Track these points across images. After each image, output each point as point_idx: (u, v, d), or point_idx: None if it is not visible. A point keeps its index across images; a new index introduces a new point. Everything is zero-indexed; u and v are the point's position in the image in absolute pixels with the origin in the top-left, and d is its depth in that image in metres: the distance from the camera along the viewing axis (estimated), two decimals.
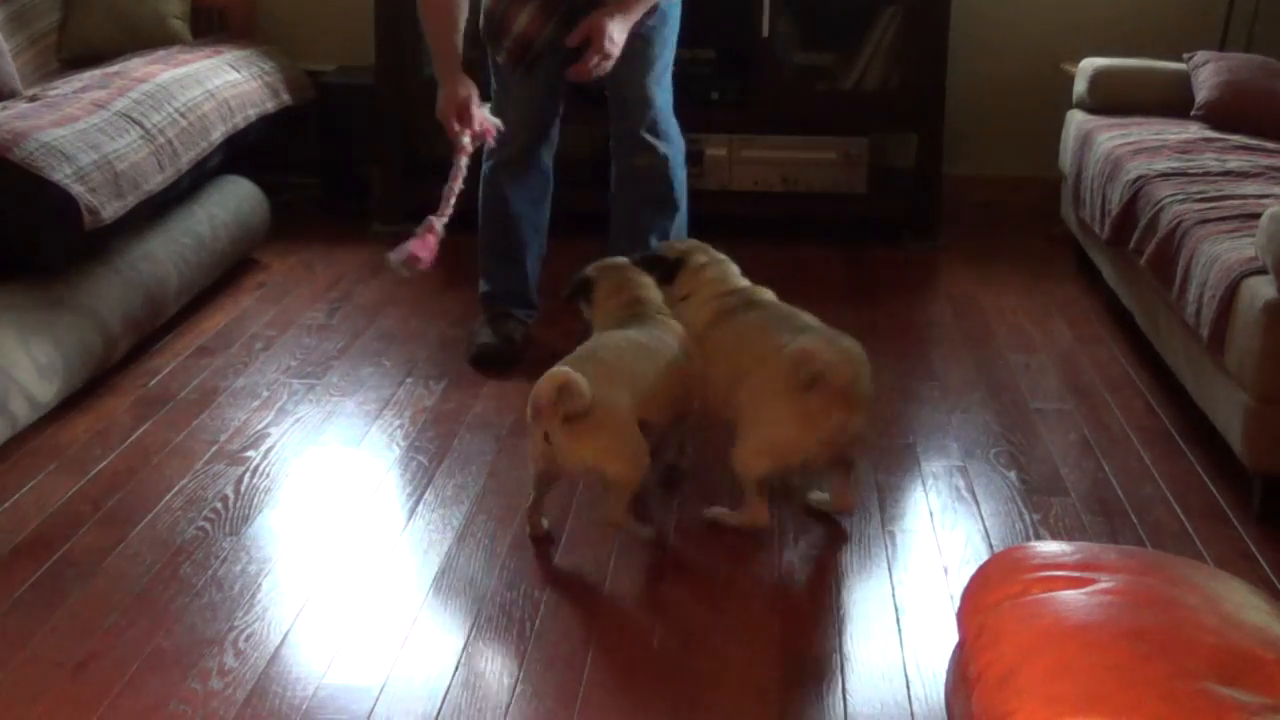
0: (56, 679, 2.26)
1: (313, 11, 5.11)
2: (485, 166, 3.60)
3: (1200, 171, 3.61)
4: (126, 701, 2.20)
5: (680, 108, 3.65)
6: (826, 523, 2.83)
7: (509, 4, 3.26)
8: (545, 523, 2.75)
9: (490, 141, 3.41)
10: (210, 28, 4.83)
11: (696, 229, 4.66)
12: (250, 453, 3.10)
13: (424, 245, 3.23)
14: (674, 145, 3.54)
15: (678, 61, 3.65)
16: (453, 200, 3.28)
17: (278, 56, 4.73)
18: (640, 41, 3.36)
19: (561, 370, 2.54)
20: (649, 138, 3.49)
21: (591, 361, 2.67)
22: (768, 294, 3.00)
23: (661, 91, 3.48)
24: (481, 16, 3.35)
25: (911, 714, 2.23)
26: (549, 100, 3.52)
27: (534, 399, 2.53)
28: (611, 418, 2.58)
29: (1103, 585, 1.68)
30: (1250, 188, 3.45)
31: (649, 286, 2.95)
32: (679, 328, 2.88)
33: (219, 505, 2.86)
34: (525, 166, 3.59)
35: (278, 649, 2.36)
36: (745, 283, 3.02)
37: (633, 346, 2.77)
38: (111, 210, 3.42)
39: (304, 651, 2.36)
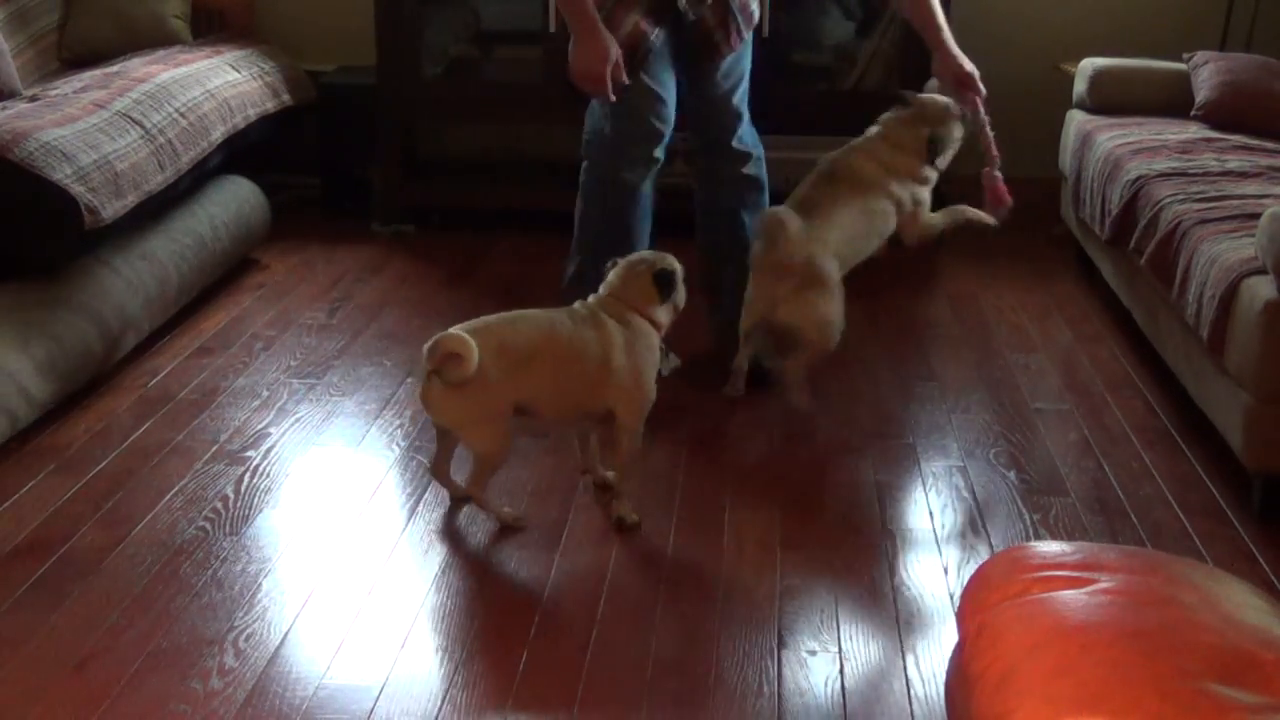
0: (56, 679, 2.26)
1: (313, 11, 5.11)
2: (604, 163, 3.37)
3: (1200, 171, 3.61)
4: (126, 701, 2.21)
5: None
6: (826, 523, 2.83)
7: (615, 4, 3.24)
8: (457, 482, 2.86)
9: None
10: (210, 28, 4.83)
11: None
12: (250, 453, 3.10)
13: (1001, 191, 3.45)
14: (759, 145, 3.63)
15: None
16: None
17: (278, 56, 4.74)
18: (734, 58, 3.40)
19: (458, 335, 2.63)
20: (742, 146, 3.55)
21: (491, 334, 2.69)
22: None
23: (745, 104, 3.55)
24: None
25: (911, 714, 2.23)
26: (668, 100, 3.40)
27: (427, 349, 2.65)
28: (477, 392, 2.65)
29: (1103, 585, 1.68)
30: (1250, 188, 3.45)
31: (617, 288, 2.87)
32: (613, 331, 2.81)
33: (219, 505, 2.86)
34: (649, 169, 3.43)
35: (278, 649, 2.36)
36: None
37: (543, 334, 2.76)
38: (111, 210, 3.42)
39: (304, 651, 2.37)
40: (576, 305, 2.87)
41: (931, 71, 3.55)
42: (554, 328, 2.77)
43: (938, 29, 3.46)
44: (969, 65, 3.46)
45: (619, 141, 3.34)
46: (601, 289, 2.89)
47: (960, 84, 3.47)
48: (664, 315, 2.89)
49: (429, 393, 2.70)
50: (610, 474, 2.90)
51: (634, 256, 2.93)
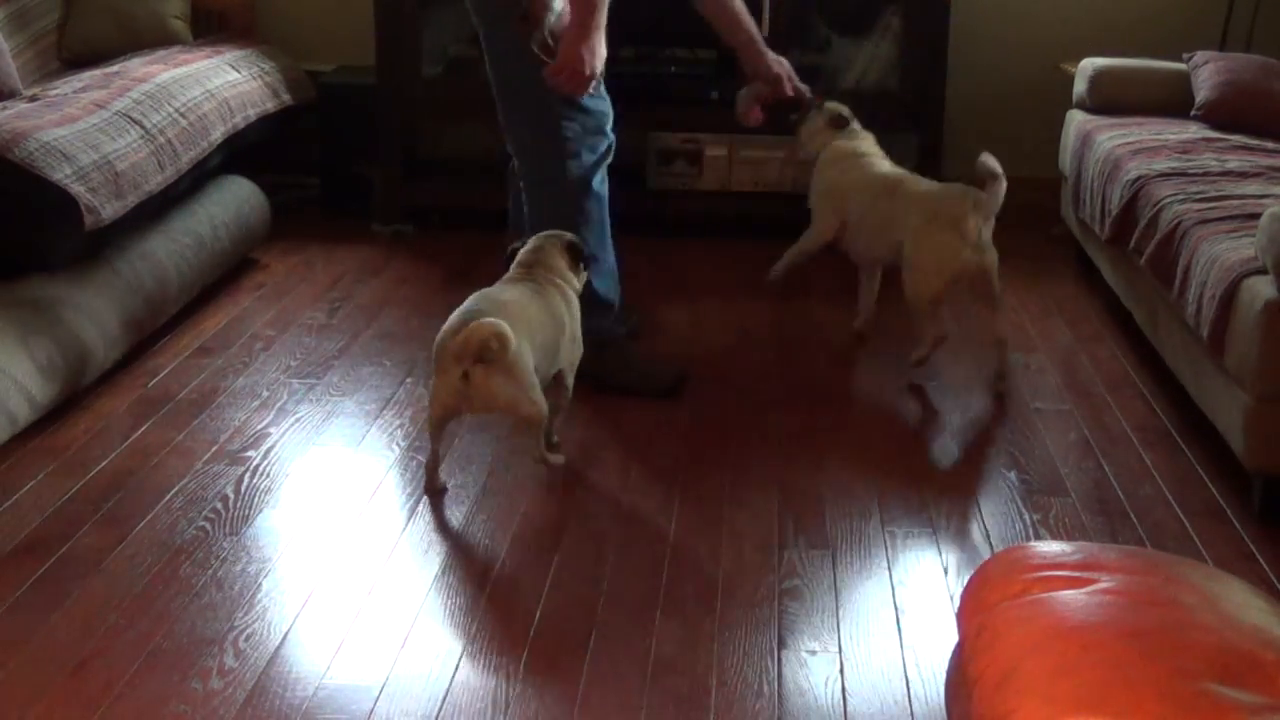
0: (56, 679, 2.26)
1: (313, 11, 5.11)
2: (577, 166, 3.34)
3: (1200, 171, 3.61)
4: (126, 701, 2.20)
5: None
6: (826, 523, 2.83)
7: None
8: (442, 478, 2.95)
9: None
10: (210, 28, 4.83)
11: (697, 229, 4.69)
12: (250, 453, 3.10)
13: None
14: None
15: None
16: None
17: (278, 56, 4.73)
18: None
19: (491, 321, 2.75)
20: None
21: (505, 311, 2.85)
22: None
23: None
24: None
25: (911, 714, 2.23)
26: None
27: (461, 341, 2.75)
28: (522, 364, 2.82)
29: (1103, 585, 1.68)
30: (1250, 188, 3.45)
31: (545, 261, 3.11)
32: (565, 297, 3.09)
33: (219, 505, 2.86)
34: (605, 166, 3.46)
35: (278, 649, 2.36)
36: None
37: (532, 303, 2.98)
38: (111, 210, 3.42)
39: (304, 651, 2.37)
40: (515, 276, 3.07)
41: (745, 73, 3.63)
42: (537, 296, 3.00)
43: (746, 30, 3.49)
44: (780, 66, 3.58)
45: (595, 141, 3.36)
46: (524, 262, 3.09)
47: (775, 86, 3.57)
48: (579, 282, 3.16)
49: (473, 385, 2.79)
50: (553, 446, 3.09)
51: (542, 235, 3.16)
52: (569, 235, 3.17)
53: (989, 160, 3.40)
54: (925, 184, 3.58)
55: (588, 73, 3.16)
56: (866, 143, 3.75)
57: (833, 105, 3.78)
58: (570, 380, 3.11)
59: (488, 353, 2.74)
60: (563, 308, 3.06)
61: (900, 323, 3.67)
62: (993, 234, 3.42)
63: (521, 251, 3.11)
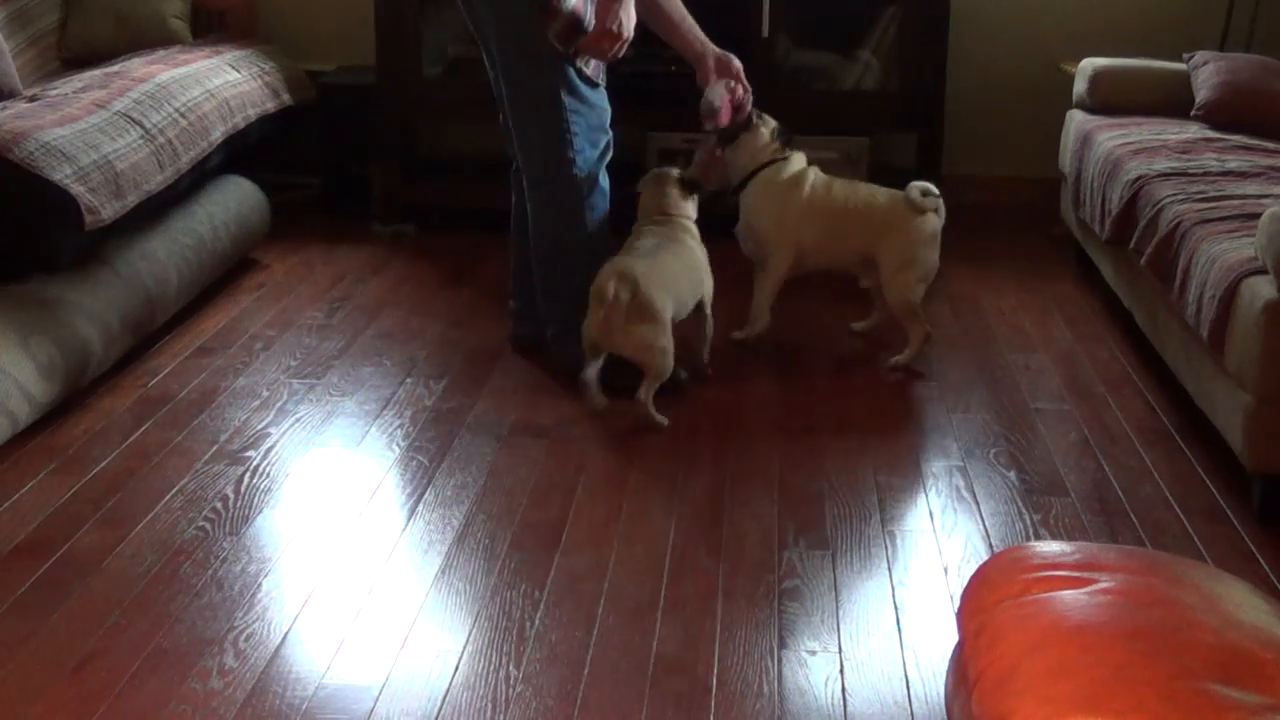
0: (56, 679, 2.26)
1: (313, 11, 5.11)
2: (582, 161, 3.34)
3: (1200, 171, 3.61)
4: (126, 701, 2.21)
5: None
6: (826, 523, 2.83)
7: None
8: (601, 400, 3.25)
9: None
10: (210, 28, 4.83)
11: (698, 229, 4.68)
12: (250, 453, 3.10)
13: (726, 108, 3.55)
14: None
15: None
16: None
17: (278, 56, 4.73)
18: None
19: (626, 267, 3.16)
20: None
21: (642, 263, 3.21)
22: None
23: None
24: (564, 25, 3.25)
25: (911, 714, 2.23)
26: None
27: (600, 284, 3.14)
28: (653, 311, 3.17)
29: (1103, 585, 1.68)
30: (1250, 188, 3.45)
31: (664, 204, 3.47)
32: (695, 232, 3.47)
33: (219, 505, 2.86)
34: (606, 162, 3.48)
35: (278, 649, 2.36)
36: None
37: (662, 249, 3.32)
38: (111, 210, 3.42)
39: (304, 651, 2.37)
40: (644, 225, 3.42)
41: (698, 77, 3.52)
42: (666, 240, 3.35)
43: (682, 19, 3.47)
44: (733, 59, 3.54)
45: (597, 137, 3.37)
46: (646, 209, 3.46)
47: (724, 70, 3.50)
48: (694, 210, 3.51)
49: (612, 324, 3.13)
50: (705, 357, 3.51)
51: (648, 177, 3.52)
52: (673, 170, 3.51)
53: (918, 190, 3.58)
54: (880, 193, 3.63)
55: (625, 35, 3.22)
56: (800, 161, 3.66)
57: (769, 120, 3.66)
58: (710, 308, 3.44)
59: (624, 292, 3.09)
60: (690, 243, 3.39)
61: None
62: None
63: (641, 200, 3.47)
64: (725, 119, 3.52)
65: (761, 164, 3.63)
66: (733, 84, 3.52)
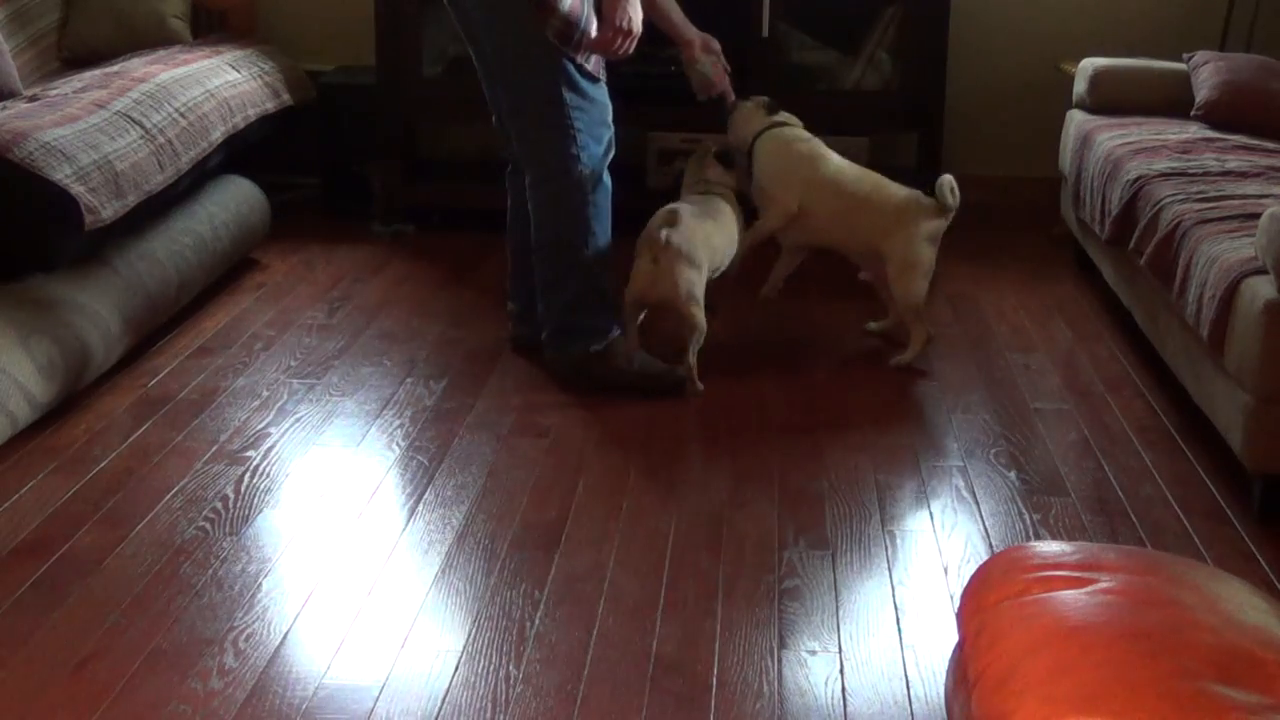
0: (56, 679, 2.26)
1: (313, 11, 5.11)
2: (586, 158, 3.34)
3: (1200, 171, 3.61)
4: (126, 701, 2.21)
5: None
6: (826, 522, 2.83)
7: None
8: (636, 359, 3.42)
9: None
10: (210, 28, 4.83)
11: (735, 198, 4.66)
12: (250, 453, 3.10)
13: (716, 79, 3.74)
14: None
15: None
16: None
17: (278, 56, 4.73)
18: None
19: (673, 214, 3.35)
20: None
21: (686, 225, 3.35)
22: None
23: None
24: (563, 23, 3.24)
25: (911, 714, 2.23)
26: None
27: (647, 231, 3.33)
28: (694, 261, 3.34)
29: (1103, 585, 1.68)
30: (1250, 188, 3.45)
31: (704, 175, 3.67)
32: (733, 199, 3.66)
33: (219, 505, 2.86)
34: (609, 159, 3.48)
35: (278, 649, 2.36)
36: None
37: (704, 216, 3.48)
38: (111, 210, 3.42)
39: (304, 651, 2.37)
40: (689, 194, 3.62)
41: (685, 57, 3.70)
42: (708, 208, 3.52)
43: (672, 9, 3.63)
44: (711, 40, 3.70)
45: (600, 133, 3.37)
46: (689, 183, 3.66)
47: (707, 50, 3.68)
48: (732, 180, 3.69)
49: (660, 270, 3.27)
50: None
51: (694, 154, 3.74)
52: (712, 145, 3.73)
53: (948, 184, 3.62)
54: (895, 189, 3.67)
55: (635, 31, 3.25)
56: (801, 129, 3.79)
57: (753, 97, 3.84)
58: (735, 260, 3.65)
59: (675, 236, 3.26)
60: (727, 209, 3.60)
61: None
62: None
63: (685, 176, 3.68)
64: (720, 84, 3.73)
65: (762, 128, 3.75)
66: (711, 57, 3.72)
